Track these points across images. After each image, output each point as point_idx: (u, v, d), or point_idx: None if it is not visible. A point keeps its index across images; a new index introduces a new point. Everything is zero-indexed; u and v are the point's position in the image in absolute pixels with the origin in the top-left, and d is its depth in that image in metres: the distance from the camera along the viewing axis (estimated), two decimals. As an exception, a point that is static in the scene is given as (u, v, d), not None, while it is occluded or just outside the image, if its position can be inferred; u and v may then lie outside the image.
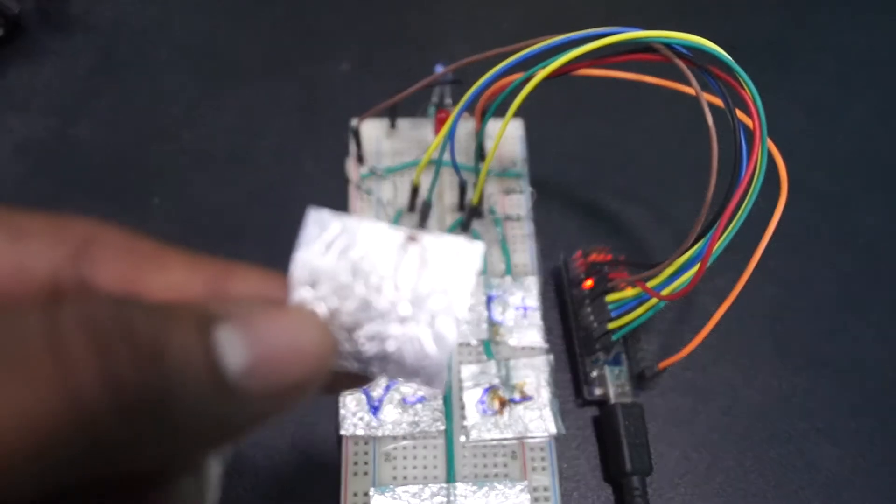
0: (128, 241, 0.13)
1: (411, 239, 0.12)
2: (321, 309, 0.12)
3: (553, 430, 0.24)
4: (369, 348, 0.12)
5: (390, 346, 0.12)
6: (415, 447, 0.24)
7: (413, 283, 0.12)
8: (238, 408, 0.11)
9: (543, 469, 0.24)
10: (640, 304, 0.24)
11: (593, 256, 0.27)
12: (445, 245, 0.12)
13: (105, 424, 0.10)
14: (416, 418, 0.24)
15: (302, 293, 0.12)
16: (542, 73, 0.23)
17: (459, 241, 0.12)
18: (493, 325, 0.26)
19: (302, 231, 0.12)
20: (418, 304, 0.12)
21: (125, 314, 0.10)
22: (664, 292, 0.22)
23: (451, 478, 0.23)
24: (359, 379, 0.13)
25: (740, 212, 0.21)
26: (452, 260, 0.12)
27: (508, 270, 0.28)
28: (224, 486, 0.25)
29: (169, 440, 0.11)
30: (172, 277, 0.12)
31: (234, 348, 0.11)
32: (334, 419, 0.25)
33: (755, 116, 0.20)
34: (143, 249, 0.12)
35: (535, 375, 0.25)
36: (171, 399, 0.10)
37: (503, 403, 0.25)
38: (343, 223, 0.12)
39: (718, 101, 0.21)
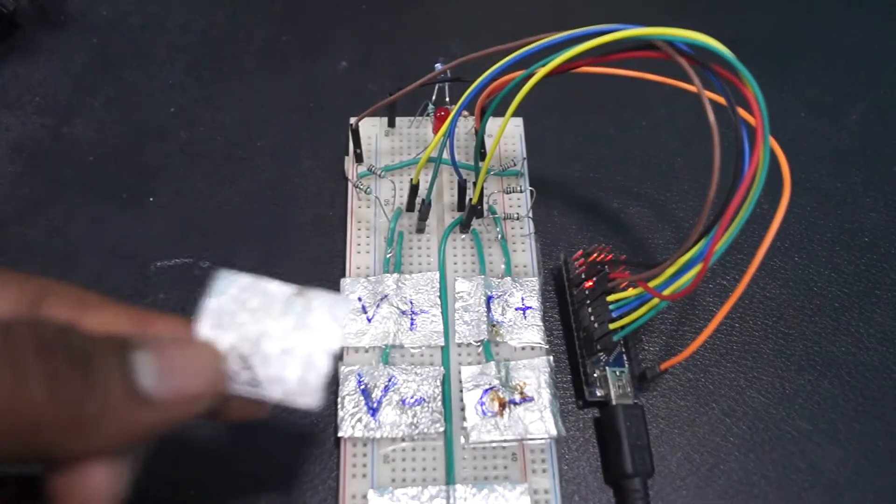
0: (77, 294, 0.16)
1: (298, 293, 0.17)
2: (223, 343, 0.16)
3: (553, 431, 0.24)
4: (259, 372, 0.16)
5: (275, 370, 0.16)
6: (414, 449, 0.24)
7: (297, 324, 0.16)
8: (147, 412, 0.14)
9: (544, 471, 0.24)
10: (642, 304, 0.23)
11: (594, 256, 0.26)
12: (324, 298, 0.17)
13: (44, 418, 0.13)
14: (415, 420, 0.24)
15: (207, 331, 0.16)
16: (542, 71, 0.22)
17: (333, 296, 0.17)
18: (493, 325, 0.26)
19: (212, 286, 0.17)
20: (299, 340, 0.16)
21: (64, 333, 0.14)
22: (666, 292, 0.22)
23: (450, 480, 0.23)
24: (252, 406, 0.17)
25: (743, 210, 0.20)
26: (329, 308, 0.17)
27: (508, 270, 0.27)
28: (224, 487, 0.25)
29: (91, 434, 0.14)
30: (107, 319, 0.16)
31: (147, 368, 0.14)
32: (333, 421, 0.24)
33: (757, 114, 0.19)
34: (88, 300, 0.16)
35: (535, 376, 0.25)
36: (96, 399, 0.13)
37: (503, 405, 0.24)
38: (245, 281, 0.17)
39: (720, 99, 0.20)
